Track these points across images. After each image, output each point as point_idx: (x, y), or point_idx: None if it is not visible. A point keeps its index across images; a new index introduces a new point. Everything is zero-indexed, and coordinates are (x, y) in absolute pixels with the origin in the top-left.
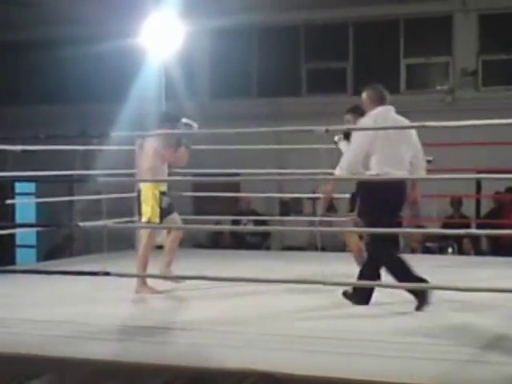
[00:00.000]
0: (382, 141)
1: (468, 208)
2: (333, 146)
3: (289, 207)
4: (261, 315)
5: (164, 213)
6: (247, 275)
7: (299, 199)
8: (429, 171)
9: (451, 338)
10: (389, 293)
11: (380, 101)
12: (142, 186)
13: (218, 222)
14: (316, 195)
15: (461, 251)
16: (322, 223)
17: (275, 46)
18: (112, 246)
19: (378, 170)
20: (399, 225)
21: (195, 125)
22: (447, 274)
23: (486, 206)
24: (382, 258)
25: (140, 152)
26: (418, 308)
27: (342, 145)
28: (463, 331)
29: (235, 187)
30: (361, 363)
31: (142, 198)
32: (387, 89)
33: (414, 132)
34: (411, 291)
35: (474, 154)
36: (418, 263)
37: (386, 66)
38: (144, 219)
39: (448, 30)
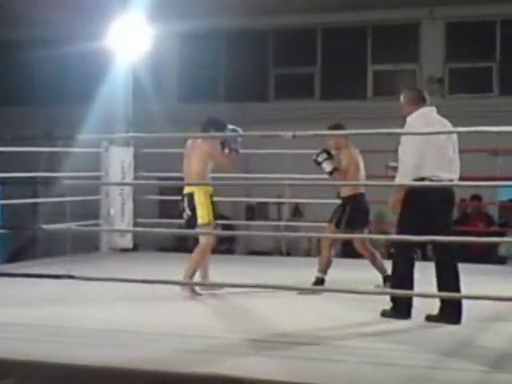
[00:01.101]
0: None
1: None
2: (301, 151)
3: (254, 212)
4: (225, 319)
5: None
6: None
7: (265, 204)
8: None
9: (412, 344)
10: (357, 299)
11: (422, 102)
12: (196, 190)
13: (182, 226)
14: (280, 200)
15: (425, 257)
16: (287, 228)
17: (243, 51)
18: (76, 249)
19: (429, 173)
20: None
21: (241, 130)
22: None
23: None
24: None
25: (191, 154)
26: (385, 314)
27: (326, 165)
28: (424, 337)
29: None
30: (324, 368)
31: (197, 201)
32: (354, 95)
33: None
34: (393, 299)
35: None
36: None
37: (354, 72)
38: (201, 222)
39: (415, 38)
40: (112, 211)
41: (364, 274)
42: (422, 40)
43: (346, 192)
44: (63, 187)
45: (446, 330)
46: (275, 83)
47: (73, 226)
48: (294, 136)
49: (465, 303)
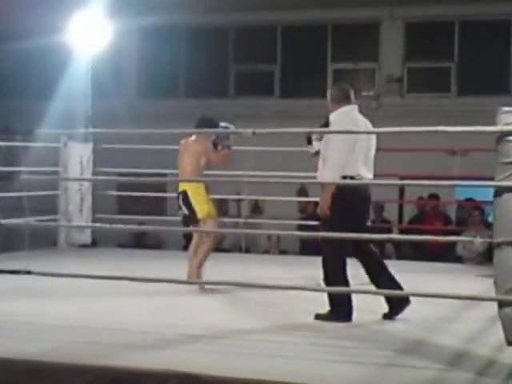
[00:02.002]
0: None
1: (391, 213)
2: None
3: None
4: (178, 315)
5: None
6: (171, 276)
7: (224, 201)
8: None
9: (370, 341)
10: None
11: (345, 100)
12: (188, 187)
13: (141, 223)
14: (240, 197)
15: (383, 255)
16: (247, 225)
17: (204, 47)
18: (35, 244)
19: (354, 172)
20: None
21: (233, 127)
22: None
23: (409, 212)
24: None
25: (184, 153)
26: (318, 317)
27: (315, 145)
28: (381, 335)
29: (162, 187)
30: (282, 365)
31: (192, 199)
32: (314, 93)
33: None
34: (331, 301)
35: (398, 160)
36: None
37: (314, 70)
38: (201, 216)
39: (375, 37)
40: (71, 207)
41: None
42: (381, 39)
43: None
44: (22, 182)
45: (398, 328)
46: (235, 80)
47: (31, 221)
48: (254, 133)
49: (419, 301)
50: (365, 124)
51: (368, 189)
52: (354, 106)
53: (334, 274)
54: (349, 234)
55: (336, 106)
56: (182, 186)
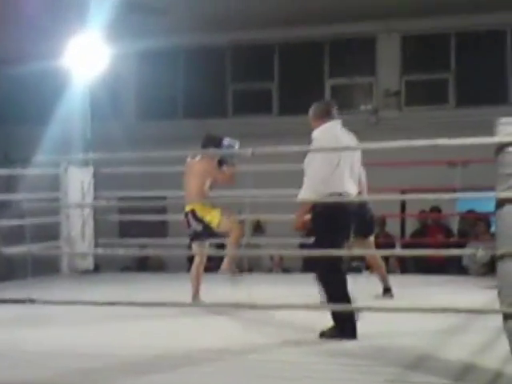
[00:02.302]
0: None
1: (393, 227)
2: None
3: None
4: (180, 338)
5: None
6: (174, 299)
7: None
8: None
9: (375, 358)
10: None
11: (327, 116)
12: (195, 205)
13: (144, 246)
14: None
15: (387, 270)
16: (249, 245)
17: (201, 68)
18: (37, 271)
19: (339, 189)
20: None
21: (237, 145)
22: (373, 293)
23: (411, 225)
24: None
25: (190, 173)
26: (323, 334)
27: None
28: (387, 351)
29: (163, 209)
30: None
31: (201, 214)
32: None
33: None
34: (336, 318)
35: (399, 173)
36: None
37: (311, 86)
38: (216, 224)
39: (371, 51)
40: (73, 233)
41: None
42: (378, 53)
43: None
44: (23, 209)
45: (405, 343)
46: (233, 99)
47: (33, 248)
48: (253, 153)
49: (422, 315)
50: (350, 138)
51: (355, 204)
52: (336, 121)
53: (336, 291)
54: (336, 250)
55: (318, 122)
56: (189, 206)
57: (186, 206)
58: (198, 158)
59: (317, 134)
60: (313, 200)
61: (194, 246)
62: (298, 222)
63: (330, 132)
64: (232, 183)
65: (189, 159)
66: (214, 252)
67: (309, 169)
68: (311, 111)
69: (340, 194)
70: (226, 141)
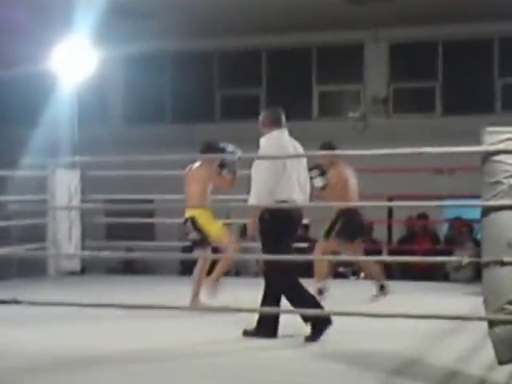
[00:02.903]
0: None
1: (380, 233)
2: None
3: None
4: (167, 339)
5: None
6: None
7: None
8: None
9: (360, 363)
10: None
11: (275, 124)
12: (196, 212)
13: (130, 248)
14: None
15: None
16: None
17: (189, 72)
18: (23, 272)
19: (284, 196)
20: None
21: (239, 151)
22: (358, 299)
23: (398, 232)
24: (282, 285)
25: (190, 180)
26: (309, 339)
27: (318, 181)
28: (373, 357)
29: (150, 213)
30: None
31: (202, 223)
32: (300, 115)
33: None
34: (306, 320)
35: (385, 180)
36: (331, 288)
37: (299, 92)
38: (215, 236)
39: (360, 59)
40: (59, 235)
41: None
42: (366, 61)
43: (337, 207)
44: (9, 211)
45: (391, 348)
46: (221, 104)
47: (19, 249)
48: (240, 158)
49: (408, 321)
50: (294, 147)
51: (300, 211)
52: (283, 130)
53: (295, 293)
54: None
55: (266, 129)
56: (189, 212)
57: (186, 211)
58: (196, 165)
59: (263, 141)
60: (261, 207)
61: (197, 251)
62: (252, 230)
63: (276, 140)
64: (231, 188)
65: (188, 167)
66: (215, 256)
67: (255, 176)
68: (260, 118)
69: (285, 202)
70: (230, 147)
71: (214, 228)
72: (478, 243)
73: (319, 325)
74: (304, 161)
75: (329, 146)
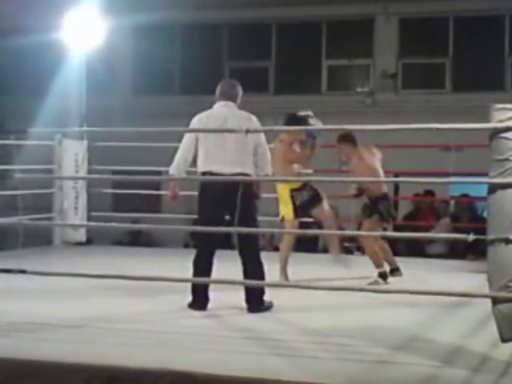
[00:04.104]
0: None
1: None
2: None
3: None
4: (163, 313)
5: (301, 208)
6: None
7: None
8: (347, 172)
9: (363, 338)
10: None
11: (220, 97)
12: (279, 186)
13: (136, 220)
14: None
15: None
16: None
17: (198, 44)
18: (29, 243)
19: (206, 168)
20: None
21: (320, 122)
22: (363, 274)
23: (404, 208)
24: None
25: (273, 157)
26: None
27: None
28: (375, 332)
29: (156, 185)
30: (277, 363)
31: (280, 198)
32: (309, 89)
33: (257, 135)
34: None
35: (392, 156)
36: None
37: (308, 66)
38: (280, 217)
39: (369, 33)
40: (65, 205)
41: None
42: (376, 35)
43: (374, 193)
44: (16, 181)
45: (395, 325)
46: (230, 76)
47: (25, 219)
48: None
49: (412, 298)
50: (224, 119)
51: (228, 183)
52: (225, 103)
53: (196, 264)
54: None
55: (216, 102)
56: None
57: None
58: (278, 140)
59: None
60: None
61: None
62: (171, 195)
63: (203, 113)
64: (307, 164)
65: (273, 144)
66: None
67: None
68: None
69: (205, 173)
70: (313, 120)
71: (283, 210)
72: (483, 220)
73: (194, 296)
74: (226, 133)
75: (348, 136)
